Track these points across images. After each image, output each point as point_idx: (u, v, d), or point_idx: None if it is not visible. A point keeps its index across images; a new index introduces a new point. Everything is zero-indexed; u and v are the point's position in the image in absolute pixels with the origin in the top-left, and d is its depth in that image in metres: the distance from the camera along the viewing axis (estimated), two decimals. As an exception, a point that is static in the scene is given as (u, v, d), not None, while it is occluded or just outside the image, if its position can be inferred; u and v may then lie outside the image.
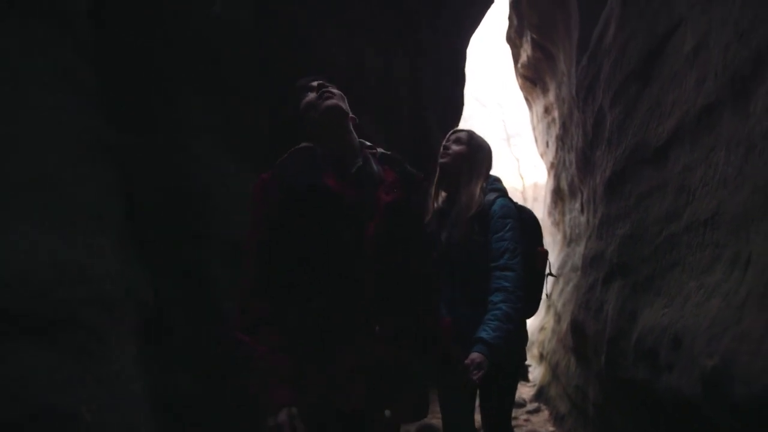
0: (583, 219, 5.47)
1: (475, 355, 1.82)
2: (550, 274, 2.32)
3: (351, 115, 1.62)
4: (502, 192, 2.23)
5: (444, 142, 2.33)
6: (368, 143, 1.68)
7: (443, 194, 2.35)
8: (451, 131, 2.39)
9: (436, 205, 2.36)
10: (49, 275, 1.61)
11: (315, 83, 1.61)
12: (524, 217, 2.22)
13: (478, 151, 2.27)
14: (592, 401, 3.41)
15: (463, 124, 8.42)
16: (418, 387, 1.59)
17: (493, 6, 7.88)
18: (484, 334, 1.89)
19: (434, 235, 2.27)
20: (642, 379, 2.11)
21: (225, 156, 3.01)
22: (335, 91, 1.60)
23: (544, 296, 2.31)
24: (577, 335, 3.68)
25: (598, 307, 3.08)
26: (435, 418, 4.67)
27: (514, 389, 2.25)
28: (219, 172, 2.86)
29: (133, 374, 1.81)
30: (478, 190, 2.17)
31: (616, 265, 2.80)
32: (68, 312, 1.57)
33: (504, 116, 27.42)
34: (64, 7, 2.39)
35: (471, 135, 2.33)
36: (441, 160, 2.27)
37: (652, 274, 2.27)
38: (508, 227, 2.08)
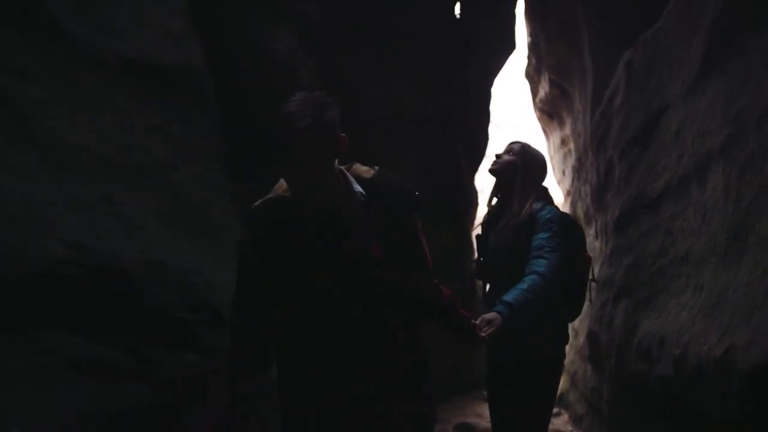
0: (597, 244, 6.18)
1: (488, 314, 1.77)
2: (593, 279, 2.42)
3: (336, 149, 1.38)
4: (549, 200, 2.32)
5: (498, 152, 2.43)
6: (351, 180, 1.49)
7: (495, 200, 2.43)
8: (510, 142, 2.48)
9: (488, 208, 2.46)
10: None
11: (283, 131, 1.33)
12: (566, 222, 2.29)
13: (531, 163, 2.33)
14: (605, 399, 4.11)
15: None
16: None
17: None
18: (506, 296, 1.87)
19: (483, 239, 2.38)
20: (641, 372, 2.84)
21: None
22: (306, 146, 1.31)
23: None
24: (593, 344, 4.41)
25: (609, 321, 3.82)
26: (470, 418, 5.39)
27: (551, 388, 2.23)
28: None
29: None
30: (529, 200, 2.22)
31: (622, 288, 3.56)
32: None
33: (520, 138, 27.88)
34: (203, 92, 3.31)
35: (524, 147, 2.39)
36: (490, 167, 2.38)
37: (649, 295, 3.02)
38: (549, 229, 2.12)
